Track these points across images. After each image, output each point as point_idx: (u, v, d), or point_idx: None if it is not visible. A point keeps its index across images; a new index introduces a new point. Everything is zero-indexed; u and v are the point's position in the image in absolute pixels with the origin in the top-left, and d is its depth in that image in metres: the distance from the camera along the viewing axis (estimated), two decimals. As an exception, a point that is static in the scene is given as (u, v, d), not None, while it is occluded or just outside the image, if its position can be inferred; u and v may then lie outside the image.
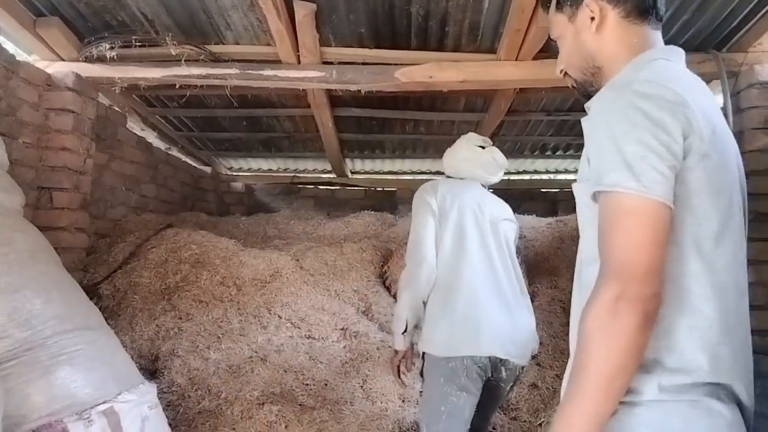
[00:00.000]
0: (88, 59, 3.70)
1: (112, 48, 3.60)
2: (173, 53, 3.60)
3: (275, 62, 3.72)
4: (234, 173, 6.69)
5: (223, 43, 3.74)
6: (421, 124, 5.12)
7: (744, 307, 1.18)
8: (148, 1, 3.40)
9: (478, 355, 2.36)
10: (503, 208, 2.83)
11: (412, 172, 6.44)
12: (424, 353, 2.47)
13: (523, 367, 2.54)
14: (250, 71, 3.70)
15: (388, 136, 5.42)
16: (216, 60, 3.74)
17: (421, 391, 2.49)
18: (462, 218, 2.57)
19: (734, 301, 1.14)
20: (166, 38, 3.55)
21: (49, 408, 1.99)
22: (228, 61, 3.75)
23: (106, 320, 3.42)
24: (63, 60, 3.76)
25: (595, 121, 1.17)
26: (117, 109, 4.61)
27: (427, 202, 2.62)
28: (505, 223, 2.76)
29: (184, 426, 2.91)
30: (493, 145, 2.93)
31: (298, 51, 3.61)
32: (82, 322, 2.22)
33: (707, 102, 1.20)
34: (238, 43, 3.75)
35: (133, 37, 3.56)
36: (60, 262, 2.40)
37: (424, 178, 6.36)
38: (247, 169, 6.66)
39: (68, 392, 2.05)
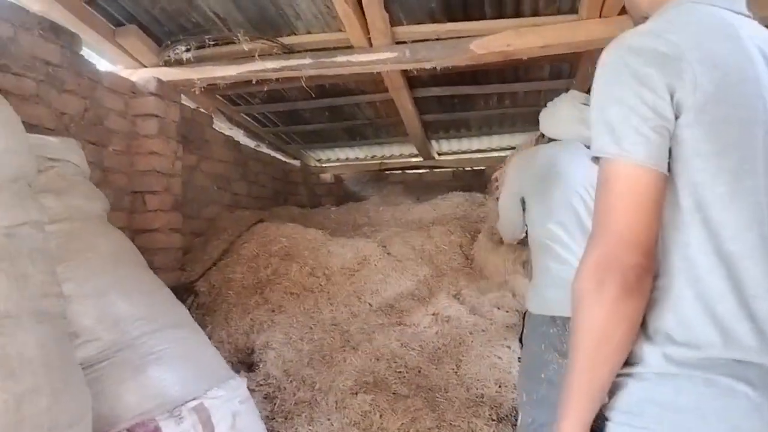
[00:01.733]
0: (167, 63, 3.79)
1: (188, 50, 3.67)
2: (246, 49, 3.61)
3: (347, 48, 3.66)
4: (323, 164, 6.73)
5: (295, 34, 3.72)
6: (505, 97, 4.91)
7: None
8: (218, 0, 3.43)
9: None
10: None
11: (501, 149, 6.21)
12: (525, 315, 2.43)
13: None
14: (323, 59, 3.65)
15: (472, 114, 5.24)
16: (289, 51, 3.72)
17: (519, 358, 2.45)
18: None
19: (753, 271, 0.99)
20: (239, 35, 3.57)
21: (141, 407, 2.03)
22: (301, 51, 3.72)
23: (202, 316, 3.54)
24: (145, 66, 3.87)
25: (594, 81, 1.08)
26: (203, 110, 4.72)
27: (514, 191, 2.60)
28: None
29: (281, 418, 2.93)
30: None
31: (369, 34, 3.53)
32: (169, 321, 2.25)
33: (725, 47, 1.04)
34: (309, 32, 3.71)
35: (207, 37, 3.61)
36: (145, 263, 2.45)
37: (515, 153, 6.12)
38: (335, 159, 6.69)
39: (159, 391, 2.09)
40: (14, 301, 1.38)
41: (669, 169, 1.01)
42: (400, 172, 6.51)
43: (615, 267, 0.97)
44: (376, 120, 5.39)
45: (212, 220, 4.65)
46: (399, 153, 6.42)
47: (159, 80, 3.78)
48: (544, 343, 2.28)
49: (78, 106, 3.33)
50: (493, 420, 2.70)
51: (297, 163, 6.43)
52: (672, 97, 0.99)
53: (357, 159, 6.61)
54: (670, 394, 0.99)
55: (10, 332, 1.37)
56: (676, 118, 1.00)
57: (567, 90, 4.57)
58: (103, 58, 3.89)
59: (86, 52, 3.50)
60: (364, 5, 3.28)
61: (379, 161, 6.51)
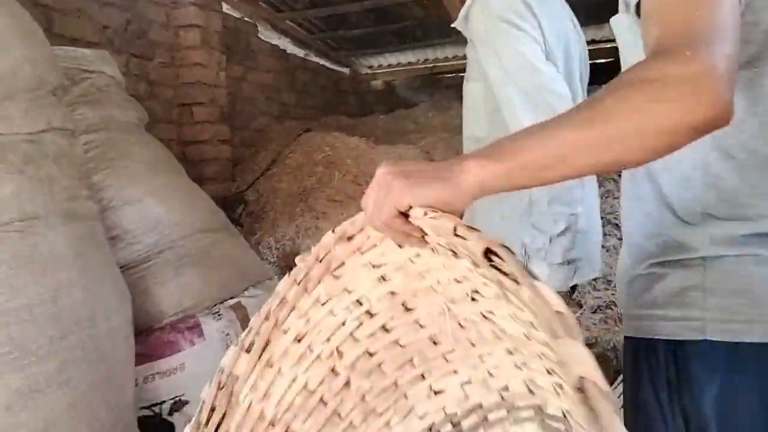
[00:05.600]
0: (205, -29, 3.76)
1: (224, -44, 3.62)
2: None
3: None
4: (374, 71, 6.63)
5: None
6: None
7: None
8: None
9: None
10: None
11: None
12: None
13: None
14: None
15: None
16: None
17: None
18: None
19: None
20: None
21: (182, 304, 2.16)
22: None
23: (252, 224, 3.66)
24: (183, -25, 3.85)
25: None
26: (247, 19, 4.70)
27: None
28: None
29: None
30: None
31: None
32: (205, 225, 2.35)
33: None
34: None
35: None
36: (182, 170, 2.54)
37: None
38: (386, 65, 6.56)
39: (197, 290, 2.21)
40: (40, 202, 1.46)
41: None
42: (452, 75, 6.34)
43: (706, 86, 0.64)
44: (425, 20, 5.21)
45: (262, 131, 4.71)
46: (453, 55, 6.20)
47: (197, -12, 3.76)
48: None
49: (120, 19, 3.37)
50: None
51: (347, 71, 6.37)
52: None
53: (408, 64, 6.47)
54: (719, 280, 0.88)
55: (41, 232, 1.47)
56: None
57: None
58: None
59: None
60: None
61: (432, 65, 6.36)
